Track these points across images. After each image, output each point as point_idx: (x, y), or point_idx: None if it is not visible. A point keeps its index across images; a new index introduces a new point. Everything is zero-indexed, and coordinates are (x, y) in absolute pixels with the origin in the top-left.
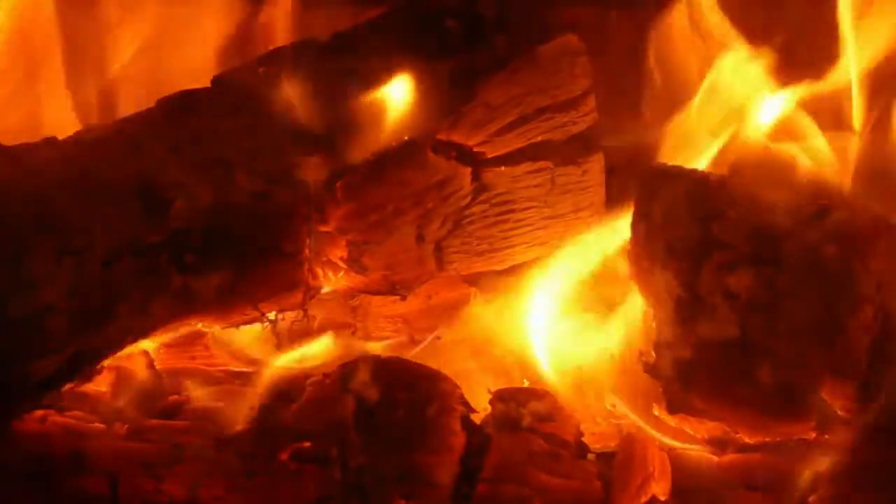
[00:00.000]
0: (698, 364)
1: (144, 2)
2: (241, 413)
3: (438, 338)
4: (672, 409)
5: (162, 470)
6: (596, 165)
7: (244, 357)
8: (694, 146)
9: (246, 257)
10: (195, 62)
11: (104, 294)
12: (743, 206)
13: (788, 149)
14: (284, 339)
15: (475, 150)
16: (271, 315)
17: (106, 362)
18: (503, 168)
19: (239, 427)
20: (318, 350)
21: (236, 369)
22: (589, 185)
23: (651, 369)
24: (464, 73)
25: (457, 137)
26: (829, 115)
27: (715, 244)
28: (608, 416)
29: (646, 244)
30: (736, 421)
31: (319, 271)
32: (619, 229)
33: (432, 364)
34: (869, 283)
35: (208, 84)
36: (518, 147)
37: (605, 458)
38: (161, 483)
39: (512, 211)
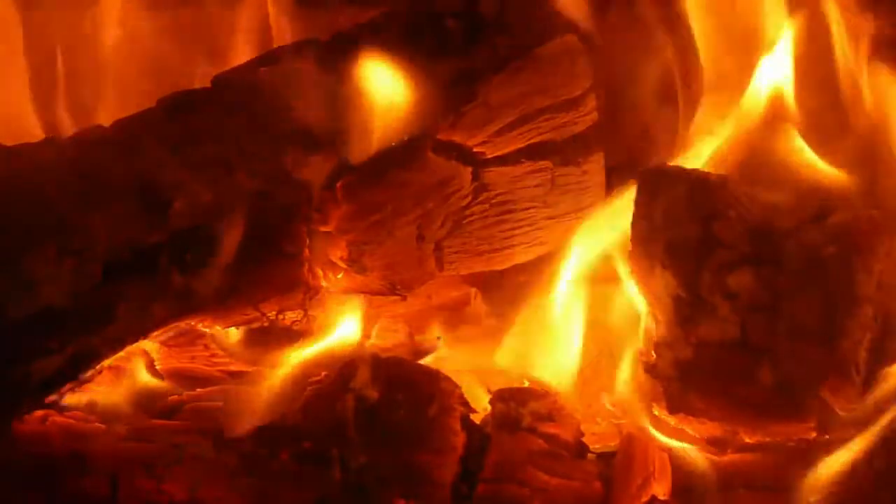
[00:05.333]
0: (698, 364)
1: None
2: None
3: (438, 338)
4: (672, 409)
5: (162, 470)
6: (596, 165)
7: (244, 357)
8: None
9: (246, 257)
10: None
11: (104, 294)
12: (743, 206)
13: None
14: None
15: (475, 150)
16: (271, 315)
17: (106, 362)
18: (503, 168)
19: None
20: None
21: (236, 369)
22: (589, 185)
23: (651, 369)
24: (464, 73)
25: (457, 137)
26: None
27: (715, 244)
28: (608, 416)
29: (646, 244)
30: (736, 421)
31: (319, 271)
32: (619, 229)
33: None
34: (869, 283)
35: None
36: (518, 147)
37: (605, 458)
38: (161, 483)
39: (512, 211)
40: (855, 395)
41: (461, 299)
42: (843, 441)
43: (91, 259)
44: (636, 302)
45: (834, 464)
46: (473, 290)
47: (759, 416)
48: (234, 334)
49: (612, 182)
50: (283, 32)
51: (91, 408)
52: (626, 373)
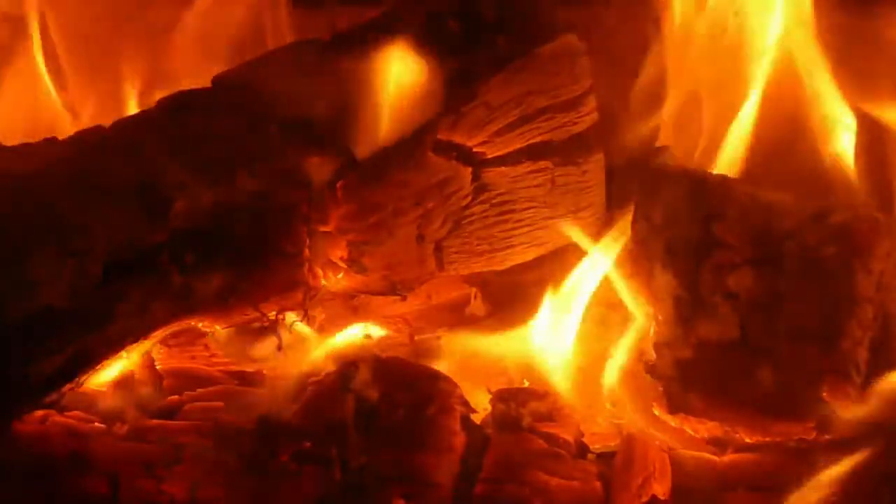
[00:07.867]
0: (698, 364)
1: None
2: (241, 413)
3: (438, 338)
4: (672, 409)
5: (162, 470)
6: (596, 165)
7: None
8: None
9: (246, 257)
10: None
11: (104, 294)
12: (743, 206)
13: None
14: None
15: (475, 150)
16: (271, 315)
17: (106, 362)
18: (503, 168)
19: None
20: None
21: (236, 369)
22: (589, 185)
23: (651, 369)
24: (464, 73)
25: (457, 137)
26: None
27: (715, 244)
28: (608, 416)
29: (646, 244)
30: (736, 421)
31: (319, 271)
32: (619, 229)
33: (432, 364)
34: (869, 283)
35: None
36: (518, 147)
37: (605, 458)
38: (161, 483)
39: (512, 211)
40: (855, 395)
41: (461, 299)
42: (843, 441)
43: (91, 259)
44: (636, 302)
45: (834, 464)
46: (473, 290)
47: (759, 416)
48: (233, 334)
49: (612, 182)
50: (282, 32)
51: (91, 408)
52: (625, 373)
